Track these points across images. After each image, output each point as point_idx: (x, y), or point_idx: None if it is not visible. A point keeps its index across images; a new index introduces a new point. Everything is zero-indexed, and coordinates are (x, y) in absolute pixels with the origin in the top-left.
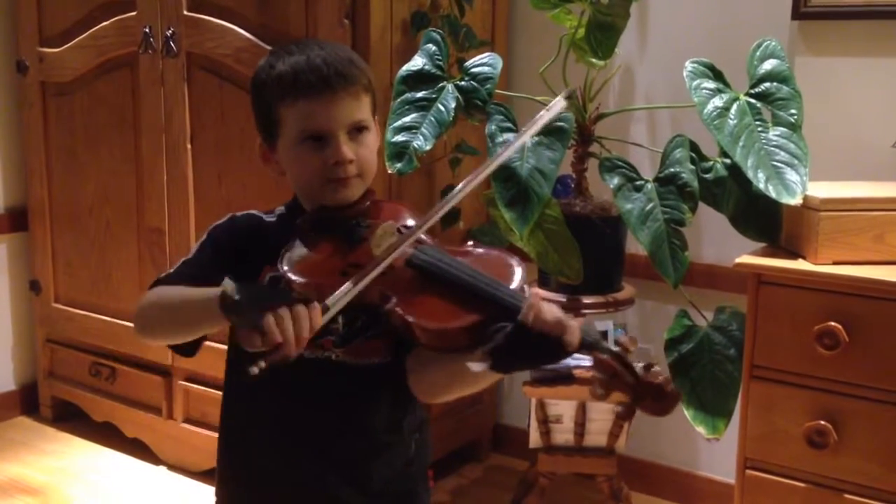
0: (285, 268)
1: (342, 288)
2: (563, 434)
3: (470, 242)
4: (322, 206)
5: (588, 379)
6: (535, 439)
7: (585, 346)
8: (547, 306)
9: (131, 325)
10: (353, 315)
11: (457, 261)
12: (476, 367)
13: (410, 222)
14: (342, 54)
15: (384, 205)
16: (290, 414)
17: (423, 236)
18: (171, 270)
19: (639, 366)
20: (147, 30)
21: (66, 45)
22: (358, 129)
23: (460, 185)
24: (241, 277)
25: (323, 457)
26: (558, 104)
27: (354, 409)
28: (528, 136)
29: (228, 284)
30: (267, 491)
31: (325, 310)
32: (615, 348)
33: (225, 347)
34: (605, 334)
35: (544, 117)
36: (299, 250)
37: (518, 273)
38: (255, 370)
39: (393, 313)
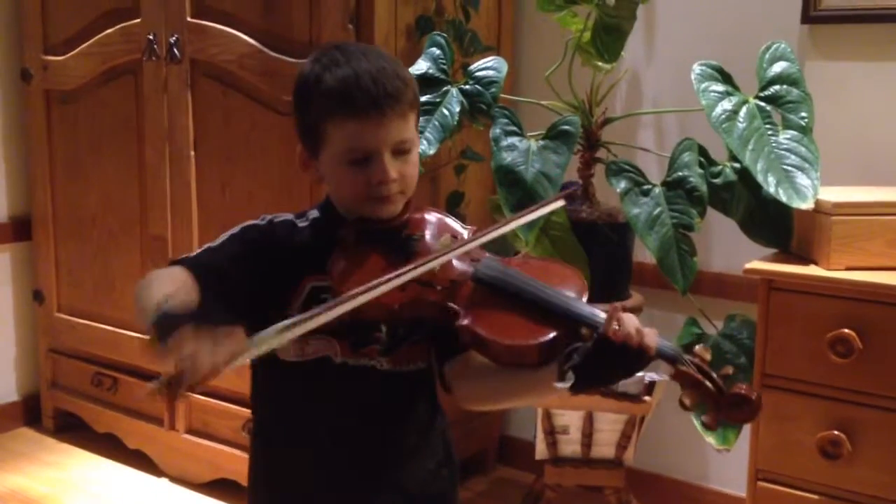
0: (336, 283)
1: (274, 328)
2: (570, 445)
3: (523, 252)
4: (363, 218)
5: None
6: (541, 450)
7: (665, 357)
8: (626, 315)
9: (134, 334)
10: (396, 324)
11: (523, 274)
12: (560, 385)
13: (460, 230)
14: (389, 68)
15: (425, 214)
16: (332, 423)
17: (478, 254)
18: (194, 254)
19: (719, 374)
20: (151, 37)
21: (70, 53)
22: (402, 146)
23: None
24: (275, 286)
25: (361, 463)
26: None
27: (394, 414)
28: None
29: (162, 303)
30: (302, 499)
31: (252, 346)
32: (694, 359)
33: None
34: None
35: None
36: (348, 264)
37: (581, 283)
38: (149, 386)
39: (465, 329)
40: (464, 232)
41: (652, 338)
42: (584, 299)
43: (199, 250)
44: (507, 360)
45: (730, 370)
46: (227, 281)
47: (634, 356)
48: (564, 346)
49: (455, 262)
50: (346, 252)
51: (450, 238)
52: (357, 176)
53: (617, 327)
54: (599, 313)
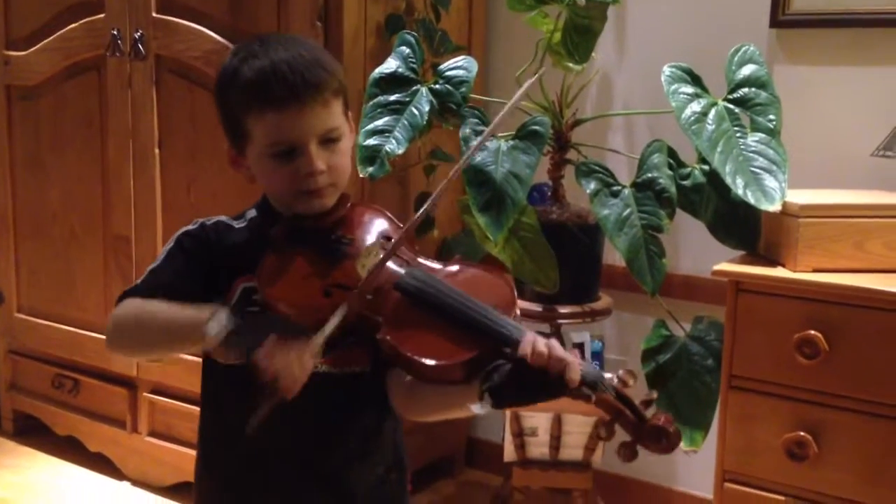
0: (263, 284)
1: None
2: (539, 447)
3: (456, 257)
4: (297, 215)
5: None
6: (509, 453)
7: (587, 384)
8: (546, 341)
9: (96, 335)
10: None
11: (448, 286)
12: (476, 408)
13: (394, 232)
14: (308, 56)
15: (362, 211)
16: (272, 428)
17: (408, 256)
18: (140, 282)
19: (641, 401)
20: (115, 32)
21: (32, 48)
22: (330, 136)
23: (437, 191)
24: (211, 289)
25: (305, 470)
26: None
27: (336, 419)
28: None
29: (218, 313)
30: (243, 501)
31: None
32: (615, 383)
33: (195, 359)
34: (581, 346)
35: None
36: (276, 265)
37: (511, 297)
38: (253, 424)
39: (384, 343)
40: (399, 232)
41: (574, 368)
42: (514, 313)
43: (143, 276)
44: (427, 377)
45: (654, 395)
46: (179, 297)
47: (553, 382)
48: (487, 365)
49: (387, 265)
50: (275, 252)
51: (378, 242)
52: (283, 170)
53: (533, 352)
54: (525, 332)
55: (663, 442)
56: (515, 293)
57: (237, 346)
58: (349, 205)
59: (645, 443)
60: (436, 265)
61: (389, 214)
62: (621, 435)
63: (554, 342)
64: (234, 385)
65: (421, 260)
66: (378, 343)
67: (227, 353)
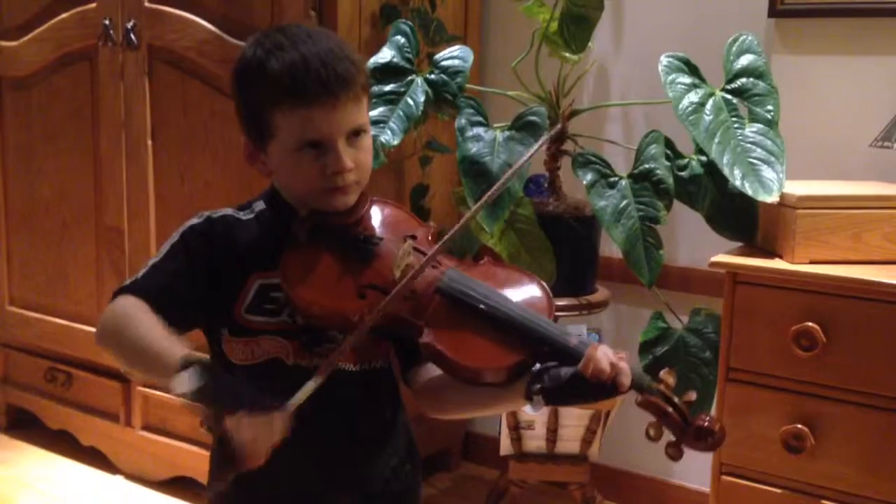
0: (290, 284)
1: (307, 385)
2: (535, 440)
3: (486, 258)
4: (317, 212)
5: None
6: (506, 446)
7: (636, 388)
8: (601, 351)
9: (89, 328)
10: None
11: (489, 288)
12: (528, 409)
13: (418, 228)
14: (337, 51)
15: (382, 209)
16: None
17: (439, 258)
18: (140, 277)
19: (682, 401)
20: (107, 22)
21: (23, 38)
22: (356, 133)
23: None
24: (222, 286)
25: (323, 465)
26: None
27: (355, 414)
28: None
29: (191, 370)
30: (261, 499)
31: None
32: (660, 386)
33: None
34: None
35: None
36: (303, 265)
37: (548, 299)
38: (216, 488)
39: (427, 347)
40: (421, 230)
41: (626, 373)
42: (552, 314)
43: (143, 270)
44: (471, 380)
45: (692, 396)
46: (179, 300)
47: (606, 387)
48: (530, 367)
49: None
50: (300, 251)
51: (410, 243)
52: (310, 167)
53: (593, 367)
54: (570, 339)
55: (708, 441)
56: (551, 294)
57: (205, 406)
58: (371, 202)
59: (690, 442)
60: (468, 265)
61: (409, 211)
62: (664, 435)
63: (605, 348)
64: (251, 383)
65: (450, 260)
66: (421, 347)
67: (193, 409)
